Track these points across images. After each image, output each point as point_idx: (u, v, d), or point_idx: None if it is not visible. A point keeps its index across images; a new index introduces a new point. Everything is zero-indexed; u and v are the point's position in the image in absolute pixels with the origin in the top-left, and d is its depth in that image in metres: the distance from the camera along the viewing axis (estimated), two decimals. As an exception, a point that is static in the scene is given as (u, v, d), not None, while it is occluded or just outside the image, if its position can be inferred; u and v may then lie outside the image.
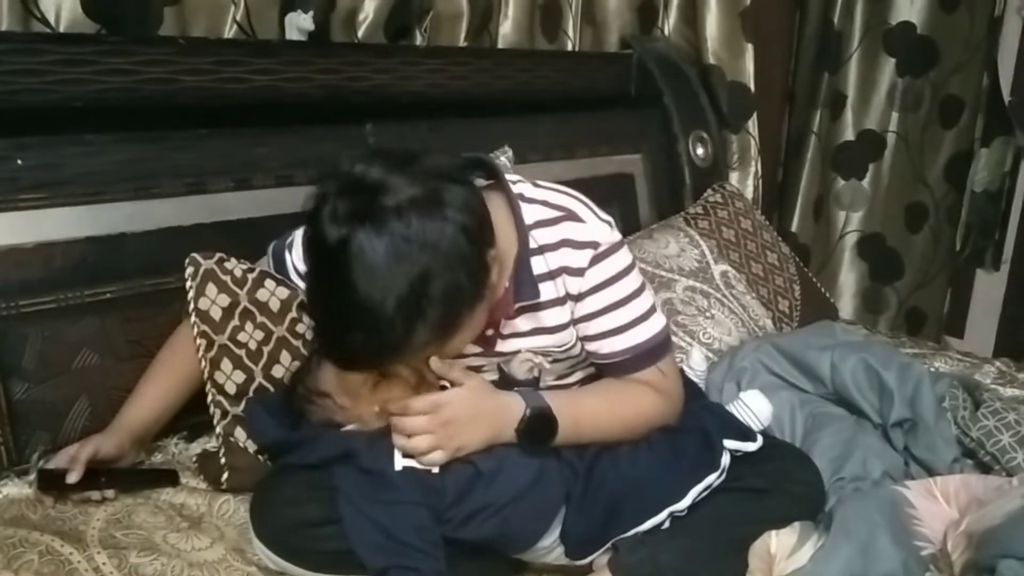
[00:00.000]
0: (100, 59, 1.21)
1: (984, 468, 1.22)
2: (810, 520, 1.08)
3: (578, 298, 1.06)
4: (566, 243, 1.04)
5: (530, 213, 1.05)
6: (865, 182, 2.50)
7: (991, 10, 2.42)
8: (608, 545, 1.02)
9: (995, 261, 2.61)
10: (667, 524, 1.02)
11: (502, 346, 1.09)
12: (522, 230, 1.04)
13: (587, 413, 1.07)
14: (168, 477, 1.13)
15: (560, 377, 1.15)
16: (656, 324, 1.09)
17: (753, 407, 1.14)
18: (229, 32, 1.45)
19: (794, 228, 2.48)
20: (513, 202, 1.05)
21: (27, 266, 1.14)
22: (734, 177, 2.22)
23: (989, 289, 2.65)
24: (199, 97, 1.31)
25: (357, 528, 0.94)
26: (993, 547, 0.93)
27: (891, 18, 2.38)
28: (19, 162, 1.14)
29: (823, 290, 2.04)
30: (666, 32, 2.15)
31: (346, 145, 1.43)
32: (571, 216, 1.06)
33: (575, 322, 1.08)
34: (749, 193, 2.21)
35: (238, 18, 1.44)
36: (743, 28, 2.15)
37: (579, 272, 1.04)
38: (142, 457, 1.17)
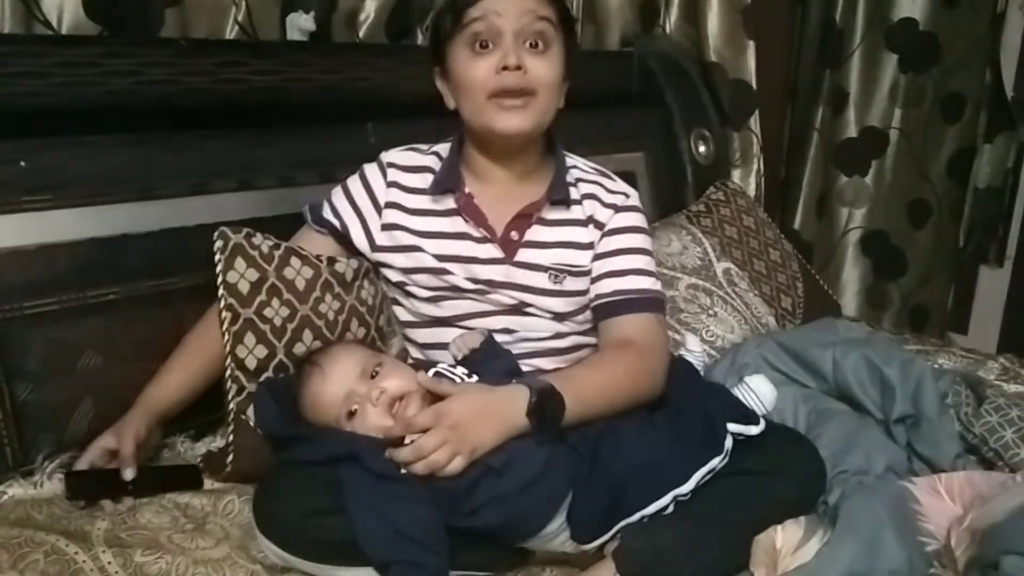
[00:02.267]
0: (102, 61, 1.21)
1: (987, 464, 1.22)
2: (812, 503, 1.08)
3: (605, 232, 1.21)
4: (600, 185, 1.25)
5: (570, 160, 1.26)
6: (868, 179, 2.50)
7: (993, 6, 2.41)
8: (614, 532, 1.02)
9: (999, 257, 2.60)
10: (671, 508, 1.02)
11: (522, 255, 1.19)
12: (560, 159, 1.23)
13: (585, 385, 1.09)
14: (191, 475, 1.13)
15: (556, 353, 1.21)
16: (658, 284, 1.22)
17: (757, 391, 1.14)
18: (230, 33, 1.45)
19: (797, 225, 2.48)
20: (555, 139, 1.24)
21: (30, 268, 1.14)
22: (736, 175, 2.22)
23: (993, 285, 2.64)
24: (201, 98, 1.32)
25: (362, 522, 0.94)
26: (996, 543, 0.93)
27: (893, 14, 2.38)
28: (22, 164, 1.14)
29: (826, 287, 2.03)
30: (667, 30, 2.15)
31: (347, 145, 1.43)
32: (606, 174, 1.28)
33: (595, 256, 1.20)
34: (751, 190, 2.21)
35: (239, 19, 1.45)
36: (744, 25, 2.15)
37: (611, 207, 1.22)
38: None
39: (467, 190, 1.21)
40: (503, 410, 1.02)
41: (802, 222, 2.48)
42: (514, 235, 1.19)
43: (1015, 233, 2.57)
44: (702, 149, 2.08)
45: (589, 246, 1.21)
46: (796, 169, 2.48)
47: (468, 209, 1.20)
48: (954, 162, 2.49)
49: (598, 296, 1.20)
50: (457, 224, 1.20)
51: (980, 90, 2.45)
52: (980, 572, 0.94)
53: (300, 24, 1.49)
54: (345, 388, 1.06)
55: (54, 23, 1.26)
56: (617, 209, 1.22)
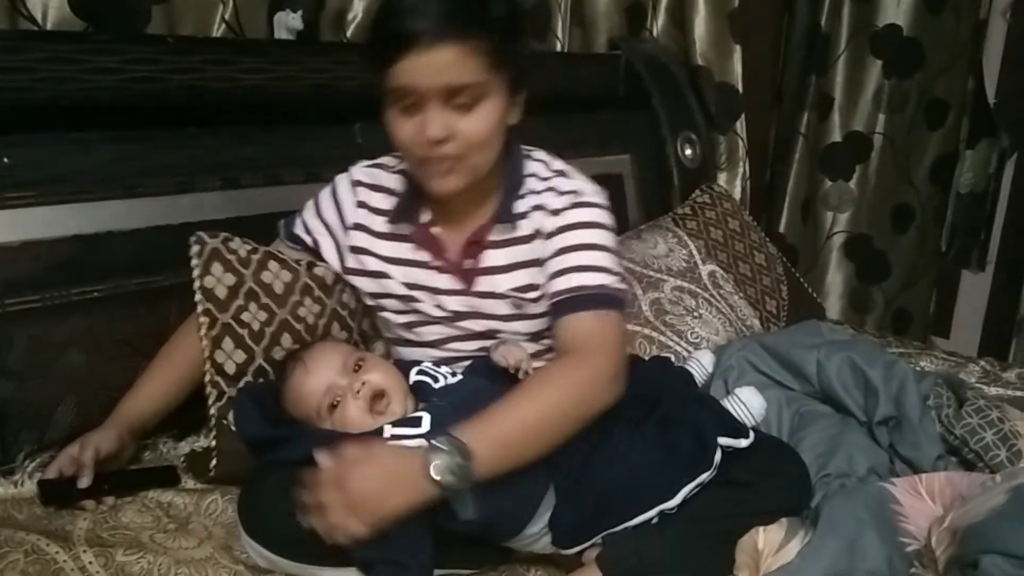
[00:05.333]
0: (87, 57, 1.21)
1: (968, 465, 1.23)
2: (796, 513, 1.08)
3: (548, 236, 1.13)
4: (551, 189, 1.15)
5: (531, 167, 1.18)
6: (852, 183, 2.52)
7: (976, 12, 2.44)
8: (596, 539, 1.02)
9: (980, 262, 2.63)
10: (656, 520, 1.02)
11: (480, 284, 1.14)
12: (516, 171, 1.16)
13: (502, 423, 0.96)
14: (168, 475, 1.13)
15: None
16: (609, 279, 1.09)
17: (747, 403, 1.15)
18: (218, 31, 1.45)
19: (782, 229, 2.49)
20: (516, 153, 1.17)
21: (13, 265, 1.13)
22: (722, 178, 2.23)
23: (974, 290, 2.67)
24: (187, 96, 1.31)
25: None
26: (976, 543, 0.93)
27: (878, 20, 2.40)
28: (5, 160, 1.14)
29: (810, 290, 2.05)
30: (654, 33, 2.16)
31: (334, 145, 1.42)
32: (563, 175, 1.17)
33: (541, 264, 1.13)
34: (737, 194, 2.22)
35: (227, 17, 1.45)
36: (731, 29, 2.16)
37: (556, 212, 1.13)
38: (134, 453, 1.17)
39: (424, 219, 1.17)
40: (408, 478, 0.91)
41: (787, 226, 2.50)
42: (469, 263, 1.15)
43: (996, 238, 2.60)
44: (688, 152, 2.09)
45: (539, 262, 1.13)
46: (781, 173, 2.50)
47: (424, 240, 1.16)
48: (937, 167, 2.51)
49: (547, 297, 1.12)
50: (420, 252, 1.17)
51: (963, 96, 2.48)
52: (960, 572, 0.95)
53: (288, 23, 1.49)
54: (327, 381, 1.06)
55: (39, 18, 1.26)
56: (561, 210, 1.13)
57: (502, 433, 0.96)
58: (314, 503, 0.90)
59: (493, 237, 1.15)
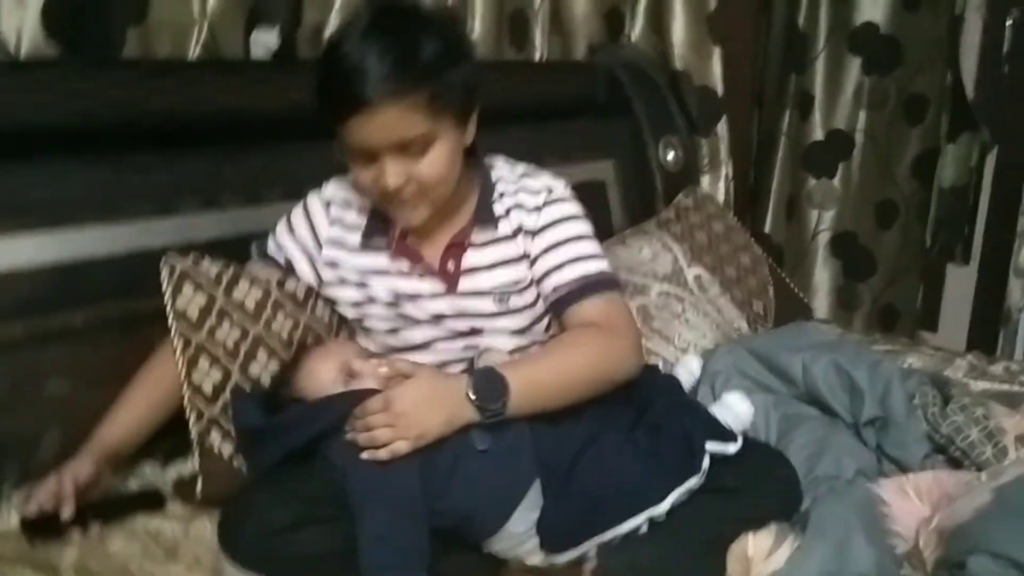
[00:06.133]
0: (62, 83, 1.20)
1: (955, 463, 1.24)
2: (787, 518, 1.08)
3: (534, 233, 1.18)
4: (523, 189, 1.21)
5: (496, 172, 1.23)
6: (836, 181, 2.52)
7: (951, 8, 2.46)
8: (587, 549, 1.02)
9: (965, 255, 2.64)
10: (645, 528, 1.02)
11: (464, 284, 1.17)
12: (486, 178, 1.21)
13: (536, 368, 1.09)
14: (152, 499, 1.13)
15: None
16: (604, 264, 1.19)
17: (734, 408, 1.15)
18: (194, 52, 1.44)
19: (767, 229, 2.50)
20: (479, 157, 1.21)
21: (-7, 295, 1.12)
22: (705, 181, 2.24)
23: (960, 283, 2.68)
24: (164, 118, 1.31)
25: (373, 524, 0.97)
26: (963, 543, 0.94)
27: (855, 18, 2.41)
28: (-19, 189, 1.13)
29: (796, 290, 2.05)
30: (633, 39, 2.17)
31: (314, 162, 1.42)
32: (529, 173, 1.24)
33: (531, 261, 1.18)
34: (721, 196, 2.23)
35: (203, 38, 1.44)
36: (710, 32, 2.17)
37: (535, 210, 1.19)
38: (115, 481, 1.16)
39: (397, 231, 1.19)
40: (448, 396, 1.04)
41: (772, 225, 2.51)
42: (451, 266, 1.18)
43: (979, 231, 2.62)
44: (670, 156, 2.09)
45: (524, 257, 1.19)
46: (765, 173, 2.51)
47: (401, 251, 1.19)
48: (918, 162, 2.52)
49: (545, 298, 1.19)
50: (398, 262, 1.19)
51: (941, 91, 2.50)
52: (948, 572, 0.95)
53: (263, 40, 1.48)
54: (346, 358, 1.13)
55: (12, 44, 1.24)
56: (541, 207, 1.19)
57: (536, 375, 1.08)
58: (362, 426, 1.00)
59: (474, 239, 1.18)
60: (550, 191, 1.20)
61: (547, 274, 1.18)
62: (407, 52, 1.02)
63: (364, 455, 1.00)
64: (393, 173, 1.06)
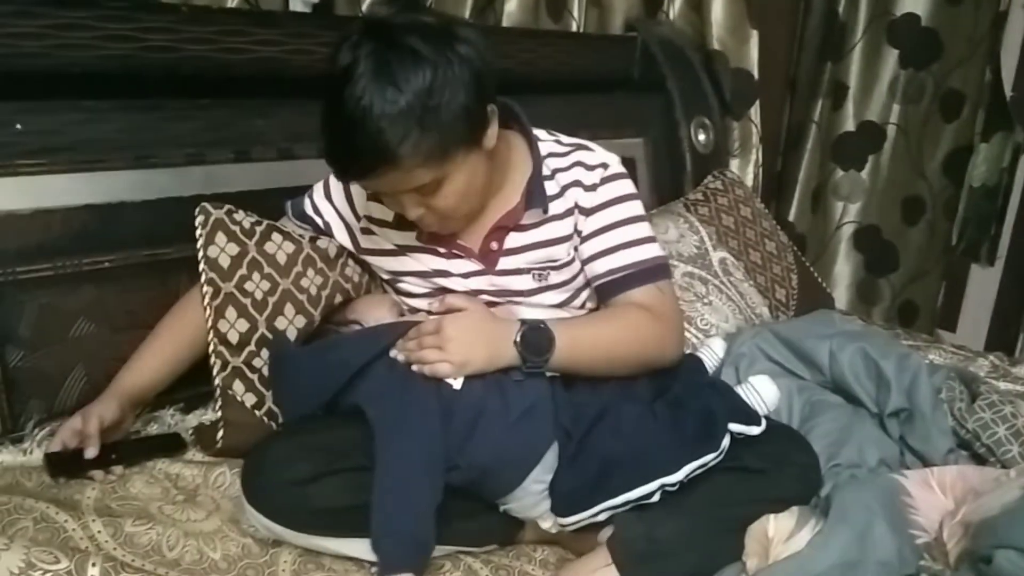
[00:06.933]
0: (101, 24, 1.19)
1: (979, 460, 1.23)
2: (806, 502, 1.08)
3: (588, 212, 1.16)
4: (578, 164, 1.17)
5: (544, 147, 1.18)
6: (864, 173, 2.50)
7: (996, 4, 2.41)
8: (599, 513, 1.02)
9: (990, 256, 2.61)
10: (657, 497, 1.02)
11: (503, 263, 1.16)
12: (536, 156, 1.16)
13: (584, 333, 1.11)
14: (174, 442, 1.13)
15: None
16: (656, 249, 1.18)
17: (761, 391, 1.14)
18: (233, 1, 1.43)
19: (791, 217, 2.48)
20: (529, 135, 1.17)
21: (25, 233, 1.12)
22: (735, 164, 2.22)
23: (983, 284, 2.65)
24: (200, 66, 1.29)
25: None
26: (990, 537, 0.93)
27: (896, 9, 2.37)
28: (18, 127, 1.13)
29: (820, 280, 2.04)
30: (671, 16, 2.14)
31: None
32: (582, 147, 1.20)
33: (582, 239, 1.16)
34: (749, 181, 2.21)
35: (242, -14, 1.43)
36: (748, 14, 2.14)
37: (591, 187, 1.16)
38: (137, 426, 1.16)
39: None
40: (495, 336, 1.07)
41: (797, 214, 2.48)
42: (494, 245, 1.16)
43: (1008, 232, 2.59)
44: (702, 137, 2.07)
45: (569, 237, 1.16)
46: (793, 161, 2.48)
47: (434, 240, 1.16)
48: (950, 160, 2.49)
49: (595, 277, 1.17)
50: (435, 240, 1.17)
51: (979, 88, 2.45)
52: (971, 565, 0.95)
53: (304, -5, 1.47)
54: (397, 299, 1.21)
55: (53, -16, 1.23)
56: (597, 185, 1.15)
57: (582, 342, 1.09)
58: (413, 343, 1.06)
59: (524, 221, 1.15)
60: (606, 167, 1.17)
61: (599, 256, 1.16)
62: (407, 117, 0.94)
63: (413, 366, 1.05)
64: (411, 208, 1.06)
